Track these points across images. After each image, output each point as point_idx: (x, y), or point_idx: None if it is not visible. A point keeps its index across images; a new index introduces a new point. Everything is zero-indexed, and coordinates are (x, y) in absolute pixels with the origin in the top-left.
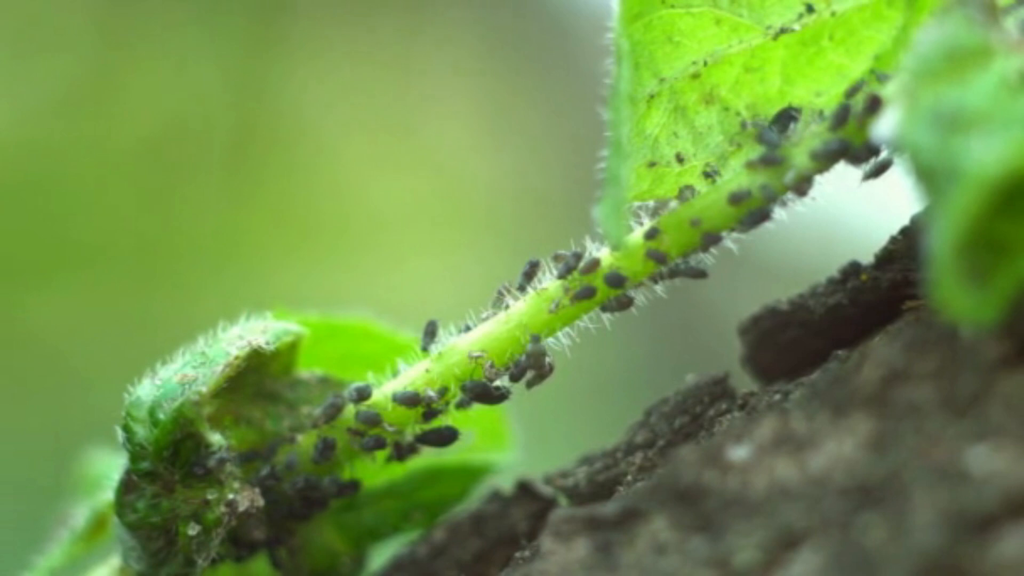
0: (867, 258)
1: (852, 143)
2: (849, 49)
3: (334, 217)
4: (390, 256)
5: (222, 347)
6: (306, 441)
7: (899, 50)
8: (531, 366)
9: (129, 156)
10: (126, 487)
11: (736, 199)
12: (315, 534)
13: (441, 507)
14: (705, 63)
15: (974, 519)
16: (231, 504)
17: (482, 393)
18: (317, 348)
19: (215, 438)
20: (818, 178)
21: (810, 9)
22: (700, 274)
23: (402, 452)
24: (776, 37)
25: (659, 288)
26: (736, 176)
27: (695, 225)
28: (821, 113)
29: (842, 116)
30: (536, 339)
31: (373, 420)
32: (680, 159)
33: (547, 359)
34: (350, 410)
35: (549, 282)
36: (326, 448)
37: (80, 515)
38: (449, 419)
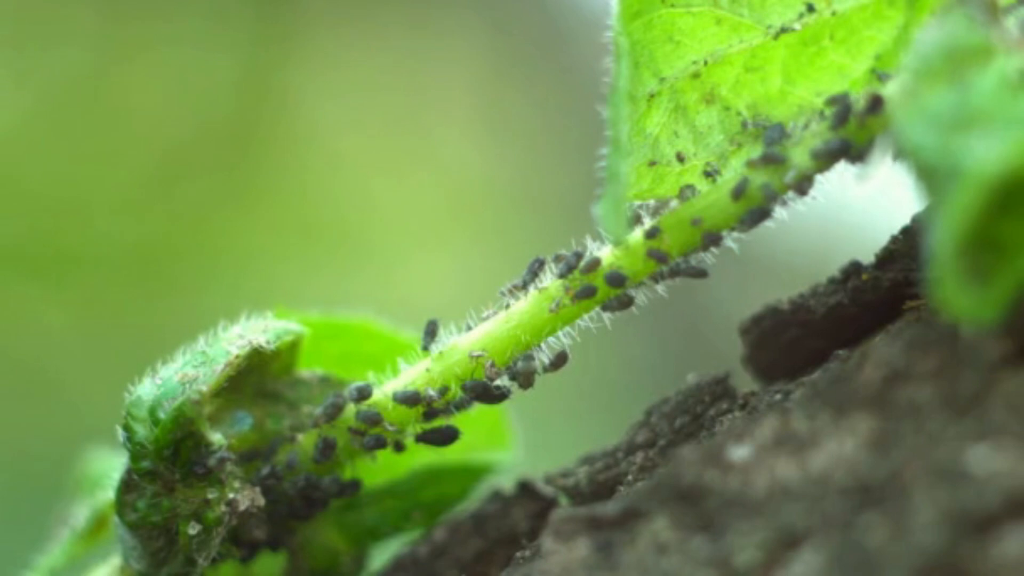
0: (868, 258)
1: (853, 142)
2: (850, 49)
3: (335, 216)
4: (391, 255)
5: (223, 346)
6: (307, 440)
7: (900, 50)
8: (520, 384)
9: (131, 154)
10: (126, 486)
11: (738, 192)
12: (316, 533)
13: (442, 507)
14: (705, 62)
15: (975, 519)
16: (232, 503)
17: (482, 392)
18: (318, 347)
19: (215, 437)
20: (819, 177)
21: (811, 8)
22: (701, 273)
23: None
24: (777, 37)
25: (660, 287)
26: (737, 175)
27: (696, 224)
28: (822, 112)
29: (843, 115)
30: (529, 357)
31: (374, 419)
32: (681, 158)
33: (535, 374)
34: (351, 409)
35: (550, 281)
36: (327, 447)
37: (81, 514)
38: (450, 418)
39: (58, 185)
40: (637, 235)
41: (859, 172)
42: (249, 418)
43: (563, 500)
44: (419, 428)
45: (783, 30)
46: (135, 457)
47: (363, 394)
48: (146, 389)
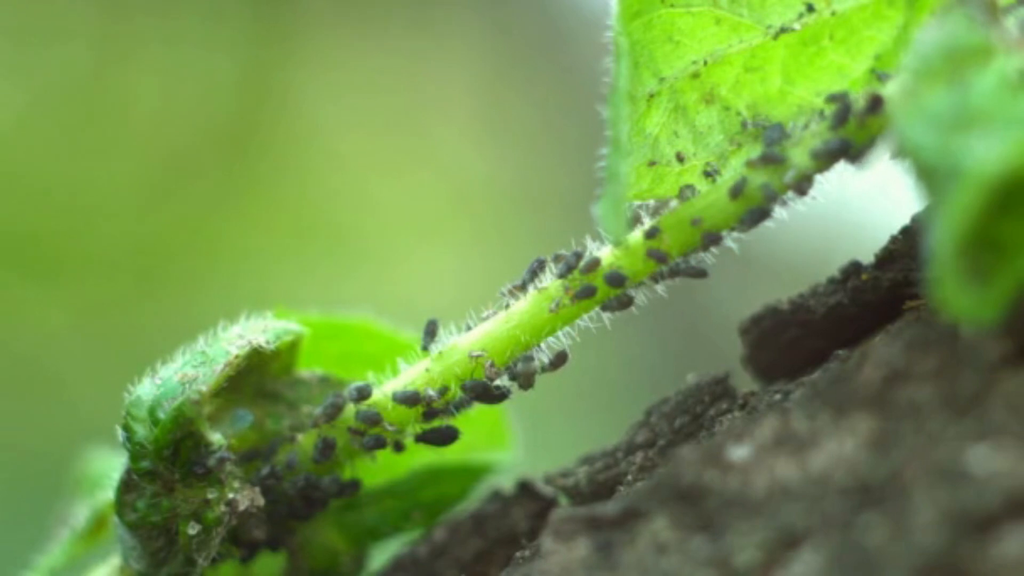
0: (868, 258)
1: (853, 142)
2: (850, 49)
3: (335, 216)
4: (391, 255)
5: (222, 346)
6: (306, 440)
7: (900, 50)
8: (520, 384)
9: (130, 153)
10: (126, 486)
11: (737, 192)
12: (316, 533)
13: (442, 507)
14: (705, 62)
15: (975, 519)
16: (231, 503)
17: (482, 392)
18: (318, 347)
19: (215, 437)
20: (819, 177)
21: (810, 8)
22: (700, 273)
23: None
24: (776, 37)
25: (660, 287)
26: (736, 175)
27: (696, 224)
28: (822, 112)
29: (843, 115)
30: (528, 357)
31: (373, 419)
32: (680, 158)
33: (535, 374)
34: (350, 409)
35: (550, 281)
36: (326, 447)
37: (80, 514)
38: (449, 418)
39: (58, 185)
40: (637, 235)
41: (858, 172)
42: (249, 416)
43: (563, 500)
44: (419, 428)
45: (783, 30)
46: (135, 457)
47: (363, 394)
48: (146, 389)
